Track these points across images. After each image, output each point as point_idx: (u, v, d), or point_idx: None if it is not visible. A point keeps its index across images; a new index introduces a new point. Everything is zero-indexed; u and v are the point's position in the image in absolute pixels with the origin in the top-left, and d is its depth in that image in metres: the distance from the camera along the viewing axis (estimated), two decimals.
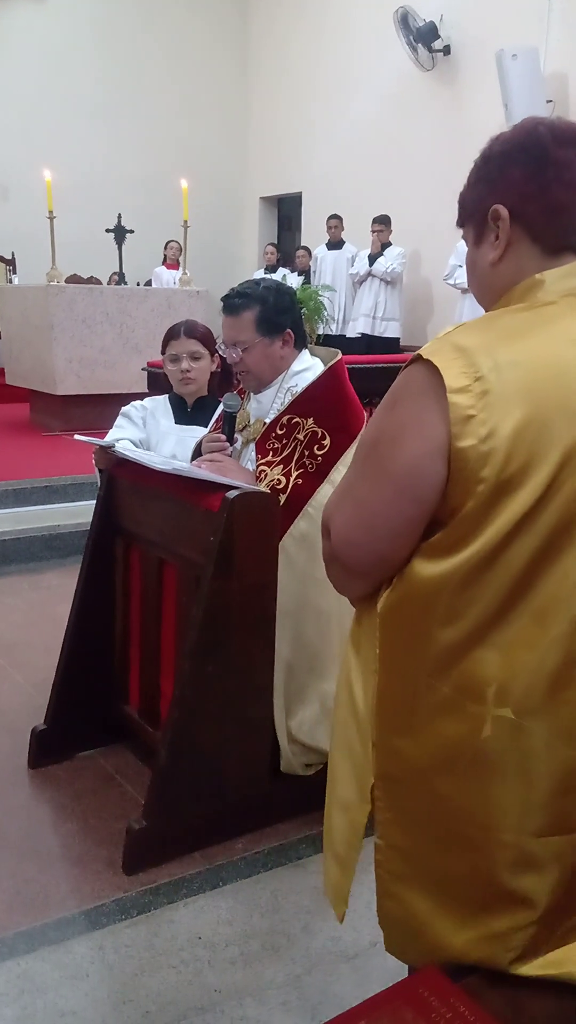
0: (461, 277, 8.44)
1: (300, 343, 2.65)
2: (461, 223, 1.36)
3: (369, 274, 9.51)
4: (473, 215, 1.31)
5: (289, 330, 2.58)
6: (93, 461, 3.02)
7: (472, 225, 1.32)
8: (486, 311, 1.31)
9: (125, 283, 9.08)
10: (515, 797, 1.23)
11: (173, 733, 2.39)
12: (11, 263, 10.84)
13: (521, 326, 1.19)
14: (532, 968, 1.28)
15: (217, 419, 2.83)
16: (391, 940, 1.40)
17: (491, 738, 1.20)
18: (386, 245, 9.44)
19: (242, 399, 2.74)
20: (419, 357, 1.18)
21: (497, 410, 1.11)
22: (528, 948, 1.28)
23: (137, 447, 3.04)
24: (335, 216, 10.20)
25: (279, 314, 2.56)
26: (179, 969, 2.09)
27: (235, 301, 2.55)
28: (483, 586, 1.16)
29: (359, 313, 9.70)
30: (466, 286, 8.78)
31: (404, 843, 1.32)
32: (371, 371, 5.43)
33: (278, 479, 2.49)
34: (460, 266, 8.47)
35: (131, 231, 8.98)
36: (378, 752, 1.30)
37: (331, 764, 1.46)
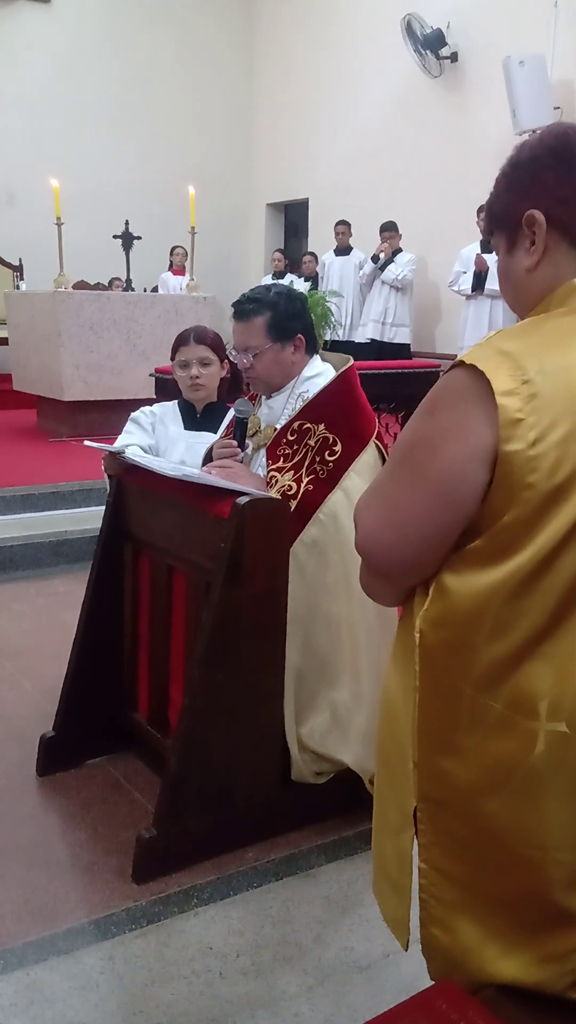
0: (465, 283, 8.43)
1: (311, 349, 2.64)
2: (489, 232, 1.34)
3: (376, 276, 9.49)
4: (504, 222, 1.29)
5: (300, 336, 2.58)
6: (102, 467, 3.01)
7: (504, 232, 1.30)
8: (521, 318, 1.29)
9: (132, 289, 9.08)
10: (569, 814, 1.20)
11: (182, 741, 2.37)
12: (18, 269, 10.86)
13: (565, 331, 1.18)
14: None
15: (229, 424, 2.82)
16: (435, 969, 1.36)
17: (544, 754, 1.17)
18: (397, 251, 9.43)
19: (254, 405, 2.74)
20: (461, 362, 1.16)
21: (545, 414, 1.10)
22: None
23: (146, 453, 3.03)
24: (343, 222, 10.20)
25: (290, 320, 2.55)
26: (190, 980, 2.07)
27: (246, 307, 2.55)
28: (534, 596, 1.14)
29: (368, 319, 9.69)
30: (470, 292, 8.83)
31: (450, 867, 1.28)
32: (380, 377, 5.43)
33: (289, 485, 2.47)
34: (464, 272, 8.47)
35: (138, 237, 9.00)
36: (421, 774, 1.27)
37: (377, 786, 1.43)
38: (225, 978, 2.08)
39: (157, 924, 2.24)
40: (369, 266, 9.56)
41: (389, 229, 9.39)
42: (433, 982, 1.37)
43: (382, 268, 9.44)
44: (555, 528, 1.11)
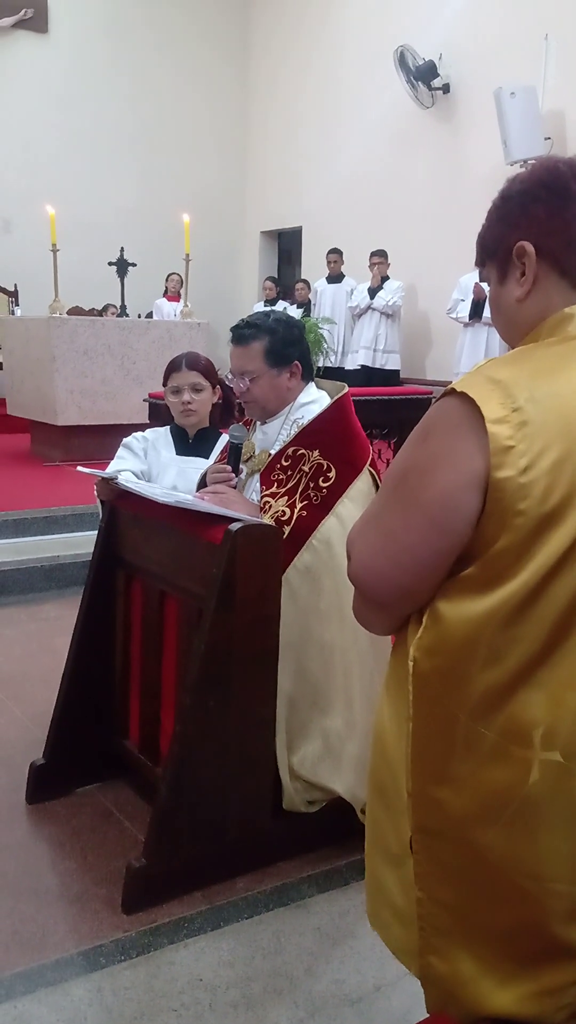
0: (463, 311, 8.49)
1: (307, 376, 2.65)
2: (481, 263, 1.36)
3: (369, 307, 9.58)
4: (496, 253, 1.31)
5: (297, 362, 2.59)
6: (95, 492, 3.01)
7: (495, 264, 1.32)
8: (512, 347, 1.31)
9: (127, 315, 9.13)
10: (567, 844, 1.18)
11: (173, 769, 2.35)
12: (14, 295, 10.93)
13: (554, 360, 1.19)
14: None
15: (223, 449, 2.83)
16: (432, 999, 1.34)
17: (539, 783, 1.16)
18: (385, 278, 9.52)
19: (248, 430, 2.74)
20: (453, 390, 1.17)
21: (536, 442, 1.11)
22: None
23: (139, 478, 3.03)
24: (335, 251, 10.30)
25: (288, 346, 2.56)
26: (179, 1012, 2.04)
27: (245, 331, 2.56)
28: (528, 623, 1.13)
29: (359, 345, 9.76)
30: (468, 320, 8.87)
31: (447, 897, 1.27)
32: (370, 403, 5.45)
33: (282, 511, 2.47)
34: (462, 300, 8.53)
35: (133, 264, 9.05)
36: (415, 803, 1.26)
37: (370, 815, 1.42)
38: (215, 1011, 2.04)
39: (146, 955, 2.21)
40: (365, 300, 9.61)
41: (379, 255, 9.49)
42: (428, 1014, 1.35)
43: (372, 294, 9.52)
44: (547, 554, 1.11)
